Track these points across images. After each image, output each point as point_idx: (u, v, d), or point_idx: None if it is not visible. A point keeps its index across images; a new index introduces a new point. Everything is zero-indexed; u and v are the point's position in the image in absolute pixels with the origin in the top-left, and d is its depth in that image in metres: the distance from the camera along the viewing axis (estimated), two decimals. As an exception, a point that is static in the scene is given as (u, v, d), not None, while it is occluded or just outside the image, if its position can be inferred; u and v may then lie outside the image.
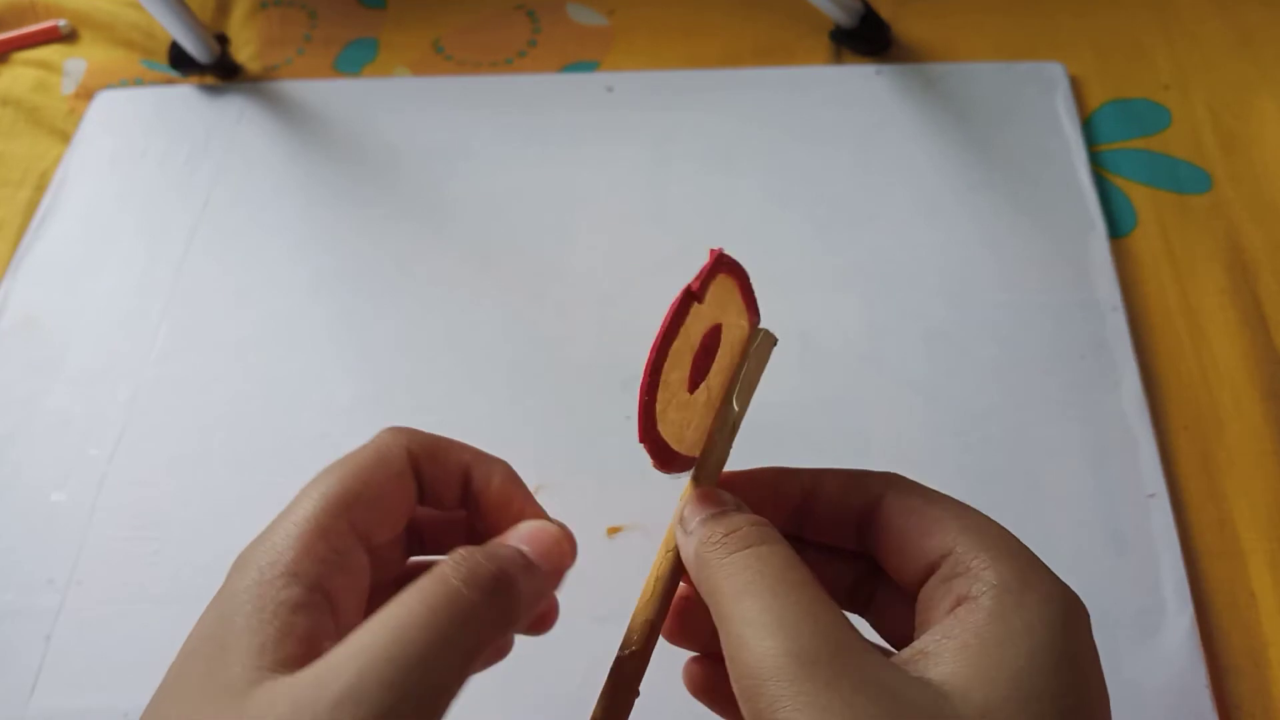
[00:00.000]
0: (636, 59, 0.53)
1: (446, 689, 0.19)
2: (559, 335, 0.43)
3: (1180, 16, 0.52)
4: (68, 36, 0.58)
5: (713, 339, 0.24)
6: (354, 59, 0.55)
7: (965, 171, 0.47)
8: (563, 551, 0.23)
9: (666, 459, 0.23)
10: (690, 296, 0.23)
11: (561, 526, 0.23)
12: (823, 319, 0.43)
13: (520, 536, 0.23)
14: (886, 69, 0.51)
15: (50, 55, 0.56)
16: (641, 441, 0.22)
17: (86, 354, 0.45)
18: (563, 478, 0.39)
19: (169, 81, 0.55)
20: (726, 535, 0.21)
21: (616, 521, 0.38)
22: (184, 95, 0.54)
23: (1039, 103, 0.49)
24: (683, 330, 0.23)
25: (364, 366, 0.43)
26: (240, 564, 0.21)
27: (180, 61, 0.53)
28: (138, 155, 0.51)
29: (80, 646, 0.37)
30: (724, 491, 0.23)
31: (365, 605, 0.22)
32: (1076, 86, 0.50)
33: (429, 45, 0.55)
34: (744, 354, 0.25)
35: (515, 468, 0.39)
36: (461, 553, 0.21)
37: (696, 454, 0.24)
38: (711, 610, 0.20)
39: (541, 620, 0.24)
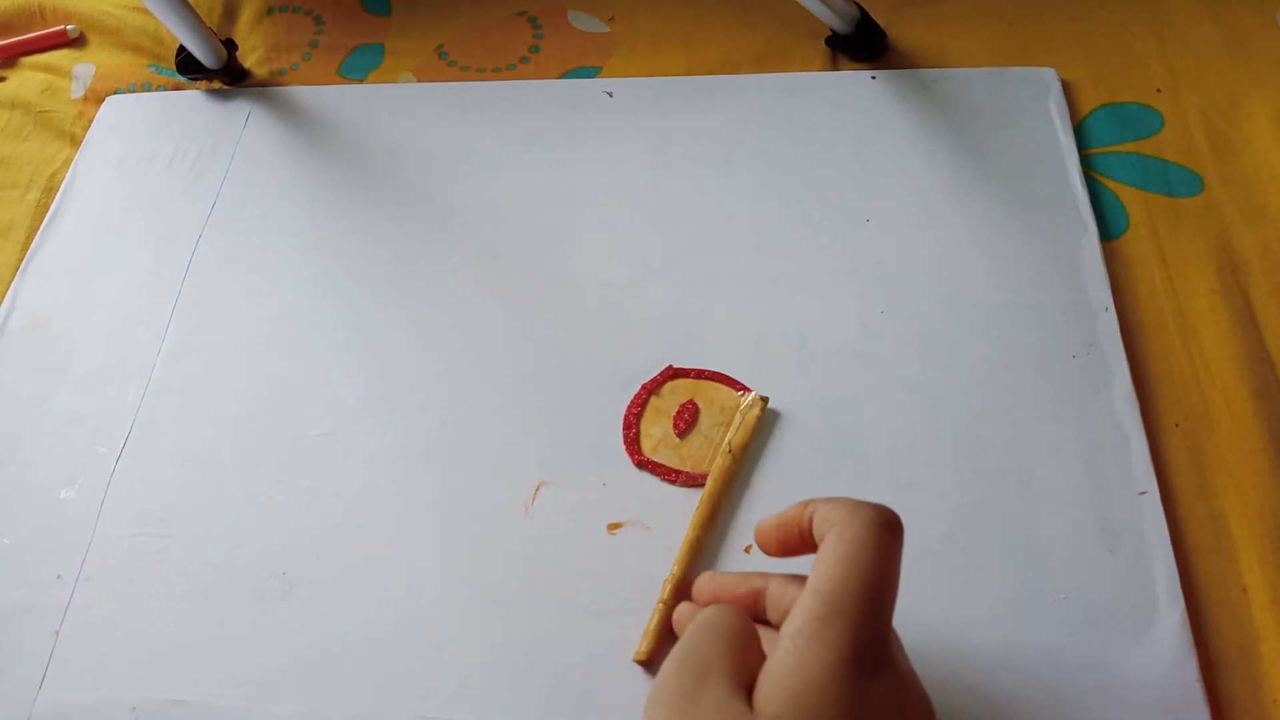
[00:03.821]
0: (636, 65, 0.54)
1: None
2: (560, 335, 0.44)
3: (1172, 21, 0.53)
4: (76, 41, 0.58)
5: (688, 407, 0.41)
6: (359, 64, 0.56)
7: (959, 175, 0.47)
8: None
9: (666, 473, 0.40)
10: (646, 391, 0.41)
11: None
12: (819, 320, 0.43)
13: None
14: (882, 74, 0.52)
15: (59, 60, 0.57)
16: (639, 465, 0.40)
17: (95, 354, 0.45)
18: (564, 475, 0.40)
19: (177, 86, 0.56)
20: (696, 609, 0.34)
21: (617, 518, 0.39)
22: (191, 100, 0.55)
23: (1032, 107, 0.49)
24: (652, 404, 0.41)
25: (369, 366, 0.44)
26: None
27: (187, 66, 0.53)
28: (146, 158, 0.52)
29: (88, 642, 0.38)
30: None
31: None
32: (1069, 91, 0.50)
33: (433, 51, 0.56)
34: (735, 411, 0.40)
35: (517, 465, 0.41)
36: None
37: (700, 470, 0.39)
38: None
39: None
